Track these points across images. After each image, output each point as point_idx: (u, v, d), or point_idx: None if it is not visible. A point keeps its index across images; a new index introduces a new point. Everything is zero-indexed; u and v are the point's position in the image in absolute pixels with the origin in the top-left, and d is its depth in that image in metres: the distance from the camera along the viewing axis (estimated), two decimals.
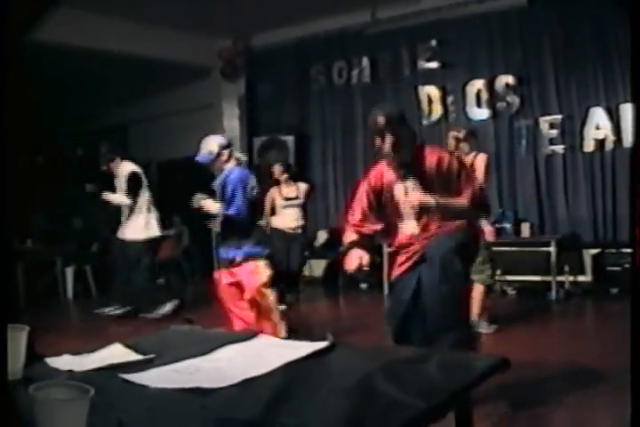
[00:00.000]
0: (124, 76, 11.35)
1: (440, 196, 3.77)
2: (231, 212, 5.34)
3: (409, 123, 3.97)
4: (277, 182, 8.64)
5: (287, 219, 8.51)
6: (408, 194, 3.85)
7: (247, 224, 5.48)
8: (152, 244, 8.24)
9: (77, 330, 7.81)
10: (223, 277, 5.69)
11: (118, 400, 1.84)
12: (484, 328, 6.27)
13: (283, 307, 7.60)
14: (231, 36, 11.12)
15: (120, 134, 13.60)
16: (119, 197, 7.95)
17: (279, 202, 8.55)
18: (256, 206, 5.66)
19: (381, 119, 3.77)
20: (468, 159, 5.95)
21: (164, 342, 2.61)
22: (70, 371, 2.16)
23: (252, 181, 5.53)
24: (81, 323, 8.43)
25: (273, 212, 8.58)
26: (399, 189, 3.93)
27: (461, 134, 6.20)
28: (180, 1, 9.20)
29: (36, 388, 1.53)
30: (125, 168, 8.14)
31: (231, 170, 5.49)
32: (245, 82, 11.67)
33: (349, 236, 4.13)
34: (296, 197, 8.53)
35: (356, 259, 3.99)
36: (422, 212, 3.83)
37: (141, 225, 8.02)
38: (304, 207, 8.70)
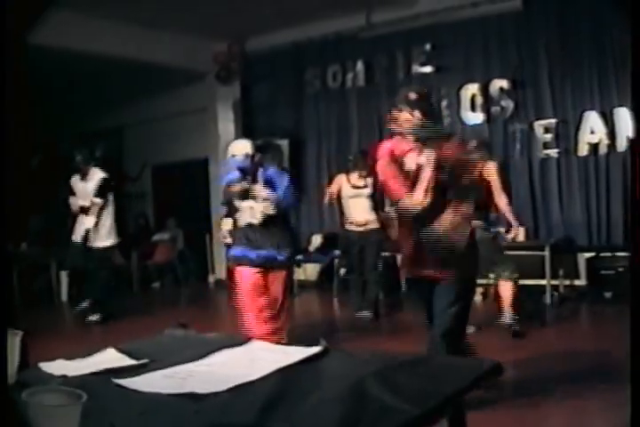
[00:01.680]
0: (119, 80, 11.36)
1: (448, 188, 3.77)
2: (286, 203, 5.44)
3: (435, 108, 4.02)
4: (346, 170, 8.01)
5: (354, 212, 7.80)
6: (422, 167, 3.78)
7: (287, 224, 5.64)
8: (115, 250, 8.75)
9: (71, 334, 7.79)
10: (252, 275, 5.47)
11: (112, 405, 1.84)
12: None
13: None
14: (226, 39, 11.11)
15: (115, 137, 13.59)
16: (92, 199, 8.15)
17: (346, 191, 7.84)
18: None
19: (413, 95, 3.79)
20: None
21: (158, 346, 2.61)
22: (64, 376, 2.16)
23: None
24: (75, 327, 8.41)
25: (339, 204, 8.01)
26: (410, 161, 3.85)
27: (474, 144, 6.23)
28: (176, 5, 9.20)
29: (29, 393, 1.53)
30: (97, 175, 8.28)
31: (266, 168, 5.53)
32: (240, 86, 11.66)
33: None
34: (365, 186, 7.74)
35: None
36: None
37: (110, 231, 8.28)
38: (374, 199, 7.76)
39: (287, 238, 5.52)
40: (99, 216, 8.15)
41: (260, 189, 5.38)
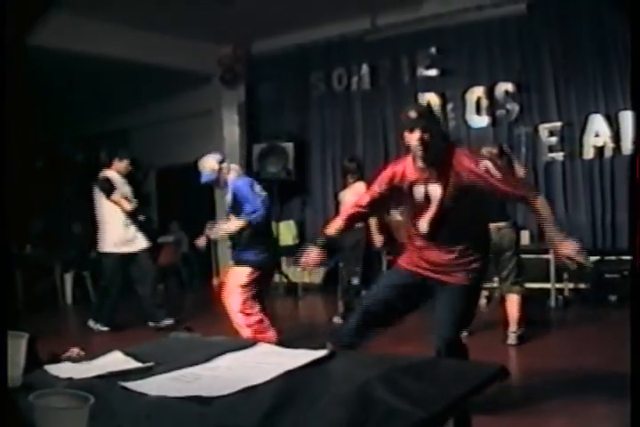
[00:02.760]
0: (124, 82, 11.37)
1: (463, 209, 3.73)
2: (251, 217, 5.56)
3: (440, 122, 3.97)
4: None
5: None
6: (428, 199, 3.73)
7: (263, 230, 5.76)
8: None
9: (76, 336, 7.79)
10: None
11: (118, 408, 1.84)
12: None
13: None
14: (231, 42, 11.12)
15: (120, 140, 13.60)
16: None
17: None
18: (270, 211, 5.91)
19: (413, 113, 3.67)
20: None
21: (164, 349, 2.61)
22: (70, 378, 2.16)
23: (257, 185, 5.79)
24: (80, 329, 8.40)
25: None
26: (419, 191, 3.77)
27: (496, 150, 6.23)
28: (181, 8, 9.21)
29: (36, 396, 1.53)
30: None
31: (234, 181, 5.74)
32: (245, 88, 11.67)
33: (336, 224, 4.07)
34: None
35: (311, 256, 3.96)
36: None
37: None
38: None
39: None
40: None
41: (229, 226, 5.73)
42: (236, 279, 5.72)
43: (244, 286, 5.65)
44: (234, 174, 5.81)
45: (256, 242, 5.65)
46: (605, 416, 4.26)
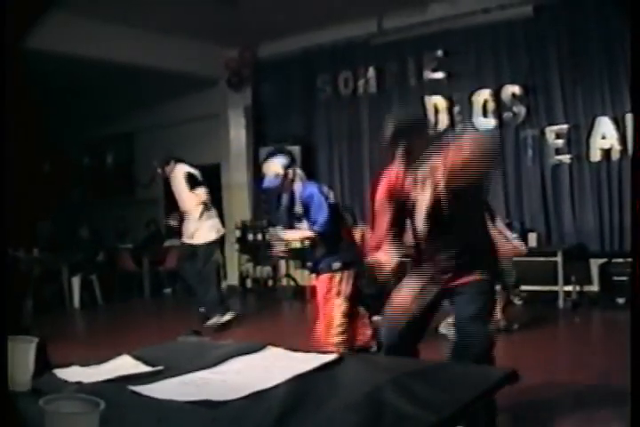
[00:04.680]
0: (130, 86, 11.39)
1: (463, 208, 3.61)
2: (318, 229, 5.03)
3: (425, 128, 3.80)
4: None
5: None
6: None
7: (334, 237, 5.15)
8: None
9: (84, 340, 7.79)
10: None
11: (128, 412, 1.83)
12: None
13: None
14: (238, 46, 11.13)
15: (126, 143, 13.65)
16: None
17: None
18: (342, 218, 5.35)
19: (387, 132, 3.55)
20: None
21: (173, 353, 2.61)
22: (79, 382, 2.16)
23: (325, 187, 5.29)
24: (87, 333, 8.41)
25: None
26: (414, 196, 3.62)
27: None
28: (187, 11, 9.23)
29: (46, 401, 1.53)
30: (180, 170, 8.05)
31: (302, 188, 5.20)
32: (252, 92, 11.67)
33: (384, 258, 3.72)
34: None
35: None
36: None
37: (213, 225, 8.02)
38: None
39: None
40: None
41: (295, 234, 5.19)
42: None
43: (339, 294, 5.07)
44: (299, 180, 5.23)
45: (333, 249, 5.09)
46: (610, 419, 4.24)
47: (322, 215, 5.00)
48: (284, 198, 5.30)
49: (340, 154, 10.93)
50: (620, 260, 8.31)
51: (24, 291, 8.65)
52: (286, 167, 5.22)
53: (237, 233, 11.19)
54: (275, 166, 5.24)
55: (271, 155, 5.43)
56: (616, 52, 8.50)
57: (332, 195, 5.23)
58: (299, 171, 5.31)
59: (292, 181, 5.22)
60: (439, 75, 9.82)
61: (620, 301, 8.07)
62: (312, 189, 5.14)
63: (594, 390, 4.72)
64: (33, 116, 9.80)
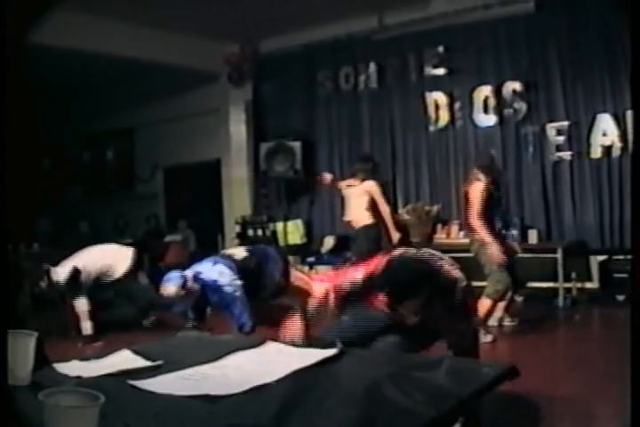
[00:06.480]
0: (131, 81, 11.37)
1: None
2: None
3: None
4: None
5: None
6: None
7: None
8: None
9: (81, 336, 7.77)
10: None
11: (127, 407, 1.83)
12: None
13: None
14: (238, 41, 11.11)
15: (126, 138, 13.64)
16: None
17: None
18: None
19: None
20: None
21: (172, 348, 2.61)
22: (79, 377, 2.16)
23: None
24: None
25: None
26: None
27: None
28: (188, 6, 9.21)
29: (46, 394, 1.53)
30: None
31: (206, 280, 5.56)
32: (252, 87, 11.64)
33: None
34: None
35: None
36: None
37: None
38: None
39: None
40: None
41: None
42: None
43: None
44: (197, 285, 5.55)
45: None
46: (609, 416, 4.24)
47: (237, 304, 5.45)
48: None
49: (340, 149, 10.91)
50: (621, 257, 8.30)
51: (21, 286, 8.63)
52: (183, 286, 5.37)
53: (237, 228, 11.17)
54: (170, 289, 5.38)
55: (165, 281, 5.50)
56: (617, 48, 8.48)
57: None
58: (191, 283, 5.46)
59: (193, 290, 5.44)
60: (440, 71, 9.80)
61: (621, 298, 8.06)
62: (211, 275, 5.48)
63: (593, 387, 4.72)
64: (33, 111, 9.80)
